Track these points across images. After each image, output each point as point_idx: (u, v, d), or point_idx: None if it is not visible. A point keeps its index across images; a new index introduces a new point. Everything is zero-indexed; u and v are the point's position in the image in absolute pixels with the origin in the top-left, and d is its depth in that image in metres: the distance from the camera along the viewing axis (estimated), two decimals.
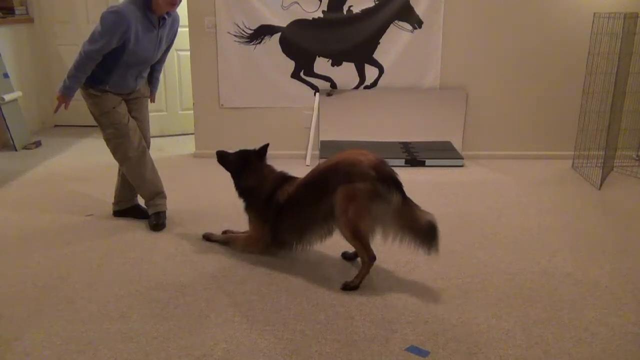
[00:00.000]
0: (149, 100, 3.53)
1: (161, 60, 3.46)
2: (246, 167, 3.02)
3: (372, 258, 2.72)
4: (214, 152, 3.16)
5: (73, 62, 3.04)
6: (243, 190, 3.05)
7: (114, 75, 3.13)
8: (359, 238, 2.67)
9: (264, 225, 2.96)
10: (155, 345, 2.24)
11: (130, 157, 3.29)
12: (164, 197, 3.47)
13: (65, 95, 3.12)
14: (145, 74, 3.36)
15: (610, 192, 4.16)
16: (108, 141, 3.29)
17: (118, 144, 3.27)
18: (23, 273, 2.85)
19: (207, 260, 3.01)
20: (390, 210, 2.63)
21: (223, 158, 3.11)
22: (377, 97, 4.93)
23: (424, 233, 2.65)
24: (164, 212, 3.44)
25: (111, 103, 3.20)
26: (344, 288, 2.69)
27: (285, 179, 3.00)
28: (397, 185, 2.67)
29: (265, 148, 3.05)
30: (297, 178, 2.98)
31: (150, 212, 3.43)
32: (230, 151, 3.12)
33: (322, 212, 2.75)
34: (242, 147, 3.14)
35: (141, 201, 3.54)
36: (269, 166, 3.07)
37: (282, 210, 2.88)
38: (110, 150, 3.33)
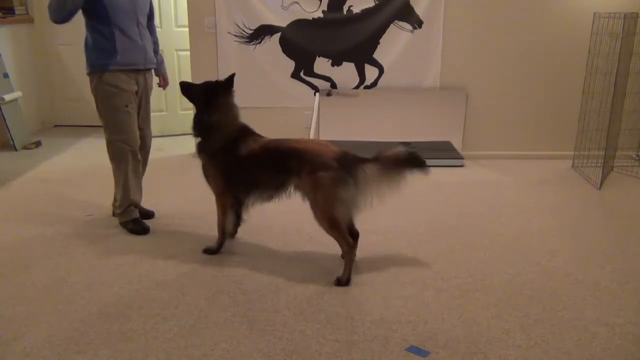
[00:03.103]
0: (163, 85, 3.53)
1: (152, 30, 3.40)
2: (212, 100, 2.90)
3: (351, 245, 2.76)
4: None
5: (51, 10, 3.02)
6: (205, 126, 2.92)
7: (117, 40, 3.08)
8: (336, 227, 2.72)
9: (222, 174, 2.94)
10: (155, 345, 2.24)
11: (128, 162, 3.26)
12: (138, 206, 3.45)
13: None
14: (147, 34, 3.29)
15: (610, 192, 4.16)
16: (111, 143, 3.24)
17: (120, 149, 3.23)
18: (23, 273, 2.85)
19: (207, 260, 3.01)
20: (368, 183, 2.66)
21: (188, 88, 2.98)
22: (377, 97, 4.93)
23: (406, 162, 2.66)
24: (139, 217, 3.42)
25: (125, 99, 3.16)
26: (337, 284, 2.71)
27: (248, 131, 2.96)
28: (364, 161, 2.69)
29: (231, 79, 2.95)
30: (259, 135, 2.95)
31: (123, 219, 3.38)
32: (195, 82, 3.04)
33: (274, 183, 2.83)
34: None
35: (142, 202, 3.54)
36: (236, 107, 2.99)
37: (240, 162, 2.86)
38: (110, 154, 3.28)
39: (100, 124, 3.27)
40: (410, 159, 2.67)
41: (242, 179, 2.91)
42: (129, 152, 3.26)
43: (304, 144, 2.81)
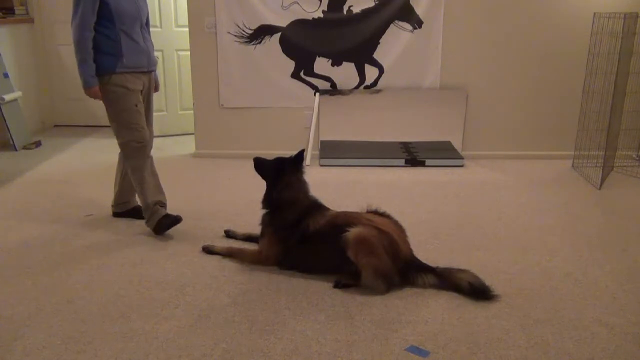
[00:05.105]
0: (154, 90, 3.50)
1: (149, 33, 3.40)
2: (283, 178, 2.89)
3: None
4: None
5: (74, 53, 3.02)
6: (275, 202, 2.90)
7: (123, 44, 3.09)
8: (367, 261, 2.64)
9: (278, 244, 2.87)
10: (155, 345, 2.24)
11: (145, 162, 3.25)
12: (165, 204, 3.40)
13: (89, 88, 3.07)
14: (149, 37, 3.31)
15: (610, 192, 4.16)
16: (126, 145, 3.22)
17: (136, 149, 3.20)
18: (23, 273, 2.85)
19: (207, 260, 3.01)
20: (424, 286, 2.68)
21: (261, 165, 2.98)
22: (377, 97, 4.93)
23: (469, 293, 2.62)
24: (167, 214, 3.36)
25: (134, 99, 3.17)
26: (335, 286, 2.70)
27: (317, 206, 2.91)
28: (427, 271, 2.70)
29: (300, 155, 2.92)
30: (328, 209, 2.92)
31: (152, 222, 3.29)
32: (267, 159, 3.00)
33: (339, 259, 2.68)
34: (256, 155, 3.06)
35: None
36: (306, 183, 2.95)
37: (306, 238, 2.80)
38: (127, 156, 3.26)
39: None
40: (472, 292, 2.61)
41: (303, 256, 2.84)
42: (145, 151, 3.24)
43: (378, 223, 2.71)
